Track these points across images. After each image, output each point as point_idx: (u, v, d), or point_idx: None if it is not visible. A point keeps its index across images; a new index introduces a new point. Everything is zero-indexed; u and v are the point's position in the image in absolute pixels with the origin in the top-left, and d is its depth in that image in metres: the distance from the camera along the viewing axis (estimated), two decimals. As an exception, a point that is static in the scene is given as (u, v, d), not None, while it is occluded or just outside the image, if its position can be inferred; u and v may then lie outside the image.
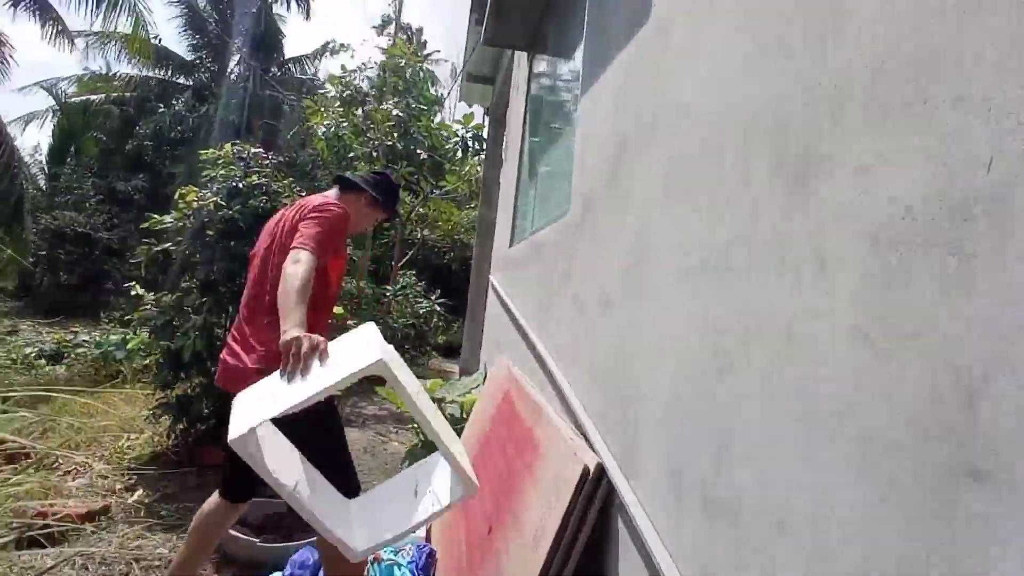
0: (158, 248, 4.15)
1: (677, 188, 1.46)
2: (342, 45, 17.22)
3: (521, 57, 4.96)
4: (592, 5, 2.62)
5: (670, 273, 1.43)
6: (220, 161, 4.31)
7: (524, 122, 4.55)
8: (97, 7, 10.68)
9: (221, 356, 2.09)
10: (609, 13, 2.33)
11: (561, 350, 2.41)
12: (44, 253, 12.76)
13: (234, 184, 4.06)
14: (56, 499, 2.93)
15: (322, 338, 1.63)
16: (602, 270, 1.97)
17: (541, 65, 4.22)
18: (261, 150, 4.58)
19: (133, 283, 4.27)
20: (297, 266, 1.83)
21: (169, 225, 4.11)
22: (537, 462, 2.02)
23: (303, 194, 3.87)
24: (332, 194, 2.26)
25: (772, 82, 1.12)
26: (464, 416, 3.89)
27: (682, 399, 1.31)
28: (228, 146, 4.43)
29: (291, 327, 1.66)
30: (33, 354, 7.47)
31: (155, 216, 4.20)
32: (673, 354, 1.37)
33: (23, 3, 11.73)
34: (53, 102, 15.85)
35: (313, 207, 2.08)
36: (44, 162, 17.34)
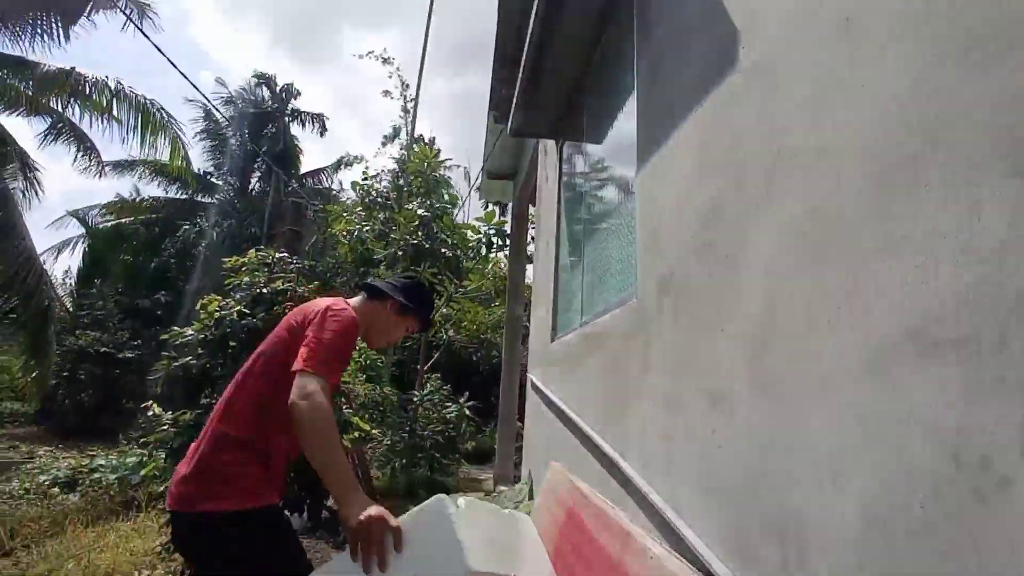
0: (177, 363, 3.88)
1: (829, 246, 1.14)
2: (355, 157, 17.82)
3: (548, 145, 4.85)
4: (643, 73, 2.44)
5: (843, 356, 1.07)
6: (244, 268, 4.13)
7: (558, 210, 4.35)
8: (137, 129, 11.35)
9: None
10: (669, 75, 2.13)
11: (648, 458, 2.01)
12: (66, 374, 12.65)
13: (258, 291, 3.84)
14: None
15: (395, 523, 1.34)
16: (705, 358, 1.62)
17: (575, 149, 4.07)
18: (285, 254, 4.41)
19: (151, 402, 3.98)
20: (310, 404, 1.44)
21: (190, 338, 3.86)
22: (643, 610, 1.57)
23: None
24: (356, 301, 1.99)
25: (990, 80, 0.83)
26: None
27: (895, 530, 0.92)
28: (252, 252, 4.27)
29: (354, 502, 1.36)
30: (47, 482, 7.18)
31: (176, 329, 3.96)
32: (865, 465, 0.99)
33: (63, 136, 12.34)
34: (83, 229, 16.44)
35: (322, 311, 1.73)
36: (72, 285, 17.72)
